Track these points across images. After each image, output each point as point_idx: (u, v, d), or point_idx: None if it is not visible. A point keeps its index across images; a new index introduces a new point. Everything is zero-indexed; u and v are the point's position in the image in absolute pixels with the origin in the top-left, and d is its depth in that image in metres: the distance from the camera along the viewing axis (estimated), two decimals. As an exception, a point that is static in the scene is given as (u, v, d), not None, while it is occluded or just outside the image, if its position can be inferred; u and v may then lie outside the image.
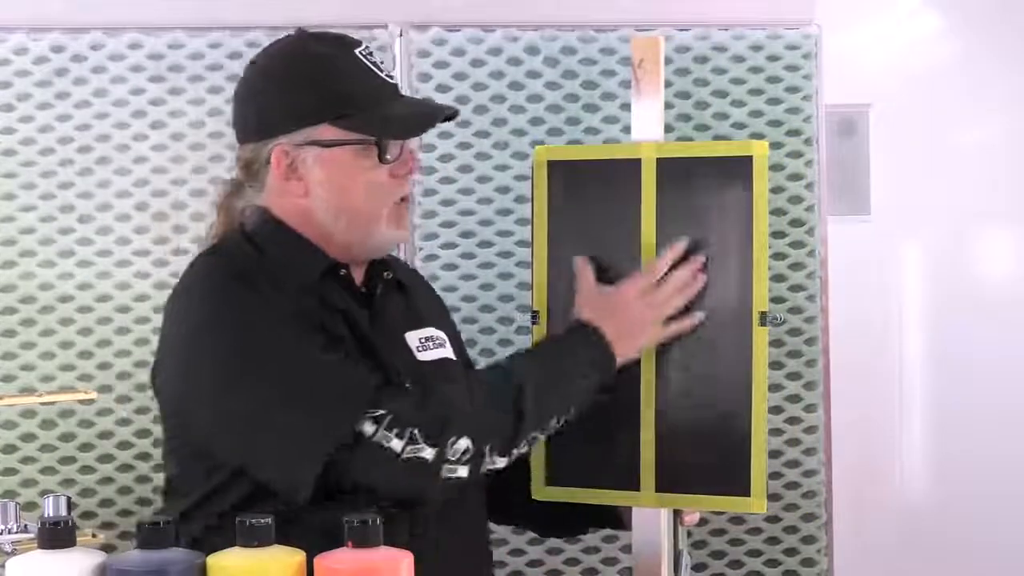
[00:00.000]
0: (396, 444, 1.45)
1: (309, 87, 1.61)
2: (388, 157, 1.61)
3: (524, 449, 1.54)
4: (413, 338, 1.70)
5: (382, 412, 1.46)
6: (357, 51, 1.63)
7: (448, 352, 1.73)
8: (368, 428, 1.45)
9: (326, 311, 1.60)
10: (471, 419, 1.48)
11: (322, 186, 1.61)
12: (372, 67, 1.63)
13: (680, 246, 1.60)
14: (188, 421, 1.60)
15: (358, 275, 1.67)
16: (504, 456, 1.51)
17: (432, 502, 1.53)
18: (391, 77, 1.65)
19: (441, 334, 1.74)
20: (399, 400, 1.49)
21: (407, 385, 1.58)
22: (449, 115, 1.68)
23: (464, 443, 1.46)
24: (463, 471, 1.47)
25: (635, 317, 1.58)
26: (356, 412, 1.46)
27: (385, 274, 1.69)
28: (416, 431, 1.45)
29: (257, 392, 1.51)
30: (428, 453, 1.45)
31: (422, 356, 1.68)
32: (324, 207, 1.62)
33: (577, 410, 1.59)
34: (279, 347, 1.52)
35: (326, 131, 1.60)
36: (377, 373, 1.55)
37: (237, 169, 1.69)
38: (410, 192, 1.67)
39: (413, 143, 1.71)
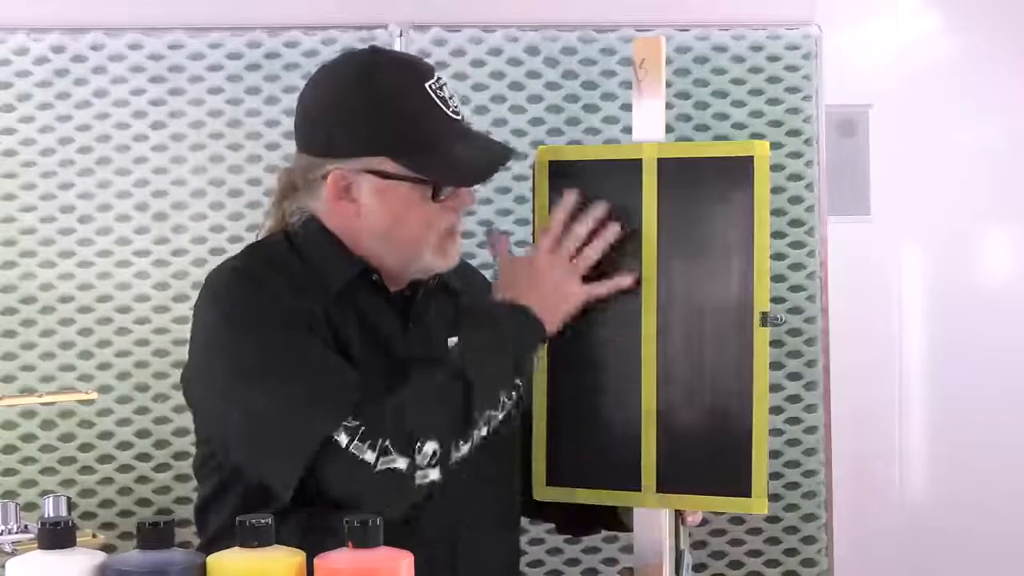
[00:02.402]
0: (369, 456, 1.48)
1: (374, 118, 1.60)
2: (442, 196, 1.62)
3: (482, 431, 1.57)
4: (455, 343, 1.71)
5: (356, 424, 1.49)
6: (427, 84, 1.61)
7: None
8: (343, 439, 1.49)
9: (347, 314, 1.61)
10: (432, 423, 1.51)
11: (375, 214, 1.62)
12: (440, 103, 1.61)
13: (570, 198, 1.63)
14: (200, 421, 1.67)
15: (399, 280, 1.69)
16: (467, 443, 1.54)
17: (410, 508, 1.55)
18: (457, 113, 1.63)
19: None
20: (369, 412, 1.51)
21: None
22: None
23: (431, 446, 1.49)
24: (434, 474, 1.51)
25: (554, 286, 1.62)
26: (335, 420, 1.50)
27: (431, 279, 1.70)
28: (388, 443, 1.48)
29: (250, 396, 1.55)
30: (401, 463, 1.49)
31: None
32: (372, 231, 1.63)
33: (522, 383, 1.62)
34: (272, 355, 1.56)
35: (385, 163, 1.59)
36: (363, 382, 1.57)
37: (294, 171, 1.68)
38: (458, 222, 1.66)
39: None
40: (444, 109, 1.62)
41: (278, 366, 1.55)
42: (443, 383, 1.55)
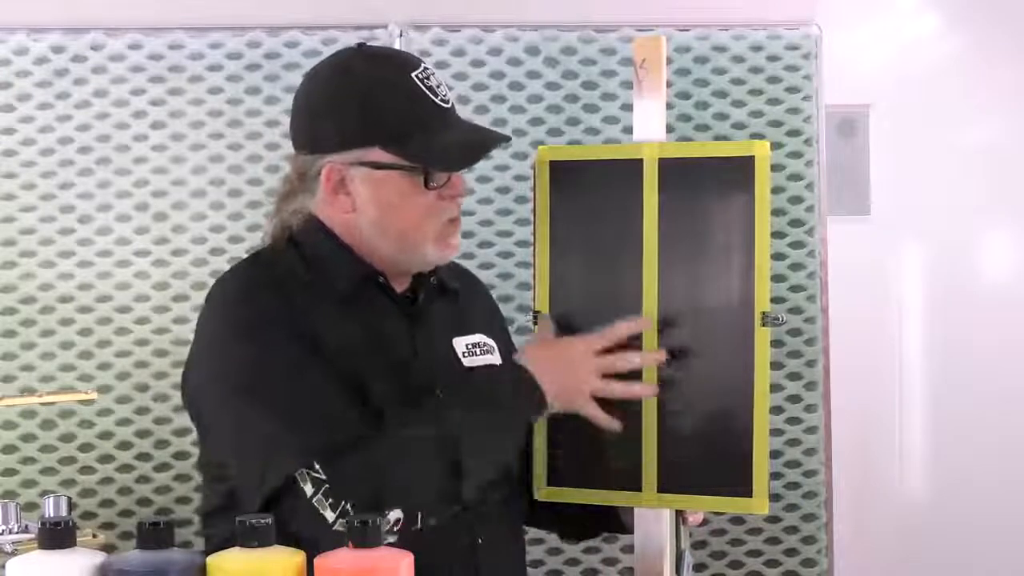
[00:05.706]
0: (329, 515, 1.46)
1: (360, 111, 1.61)
2: (433, 184, 1.61)
3: (463, 500, 1.54)
4: (460, 344, 1.72)
5: (322, 478, 1.48)
6: (414, 74, 1.62)
7: (495, 359, 1.75)
8: (308, 489, 1.48)
9: (352, 320, 1.62)
10: (405, 489, 1.48)
11: (369, 204, 1.63)
12: (427, 91, 1.62)
13: (646, 322, 1.60)
14: (198, 423, 1.67)
15: (402, 281, 1.69)
16: (438, 518, 1.52)
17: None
18: (446, 101, 1.64)
19: (489, 341, 1.76)
20: (340, 466, 1.49)
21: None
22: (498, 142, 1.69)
23: (395, 515, 1.47)
24: (391, 539, 1.47)
25: (575, 376, 1.59)
26: (301, 460, 1.49)
27: (431, 279, 1.71)
28: (350, 506, 1.46)
29: (239, 409, 1.56)
30: None
31: (468, 362, 1.71)
32: (370, 224, 1.63)
33: (511, 456, 1.60)
34: (270, 372, 1.56)
35: (375, 153, 1.60)
36: (354, 409, 1.56)
37: (291, 174, 1.69)
38: (458, 211, 1.67)
39: None
40: (432, 97, 1.62)
41: (263, 387, 1.54)
42: (430, 453, 1.51)
